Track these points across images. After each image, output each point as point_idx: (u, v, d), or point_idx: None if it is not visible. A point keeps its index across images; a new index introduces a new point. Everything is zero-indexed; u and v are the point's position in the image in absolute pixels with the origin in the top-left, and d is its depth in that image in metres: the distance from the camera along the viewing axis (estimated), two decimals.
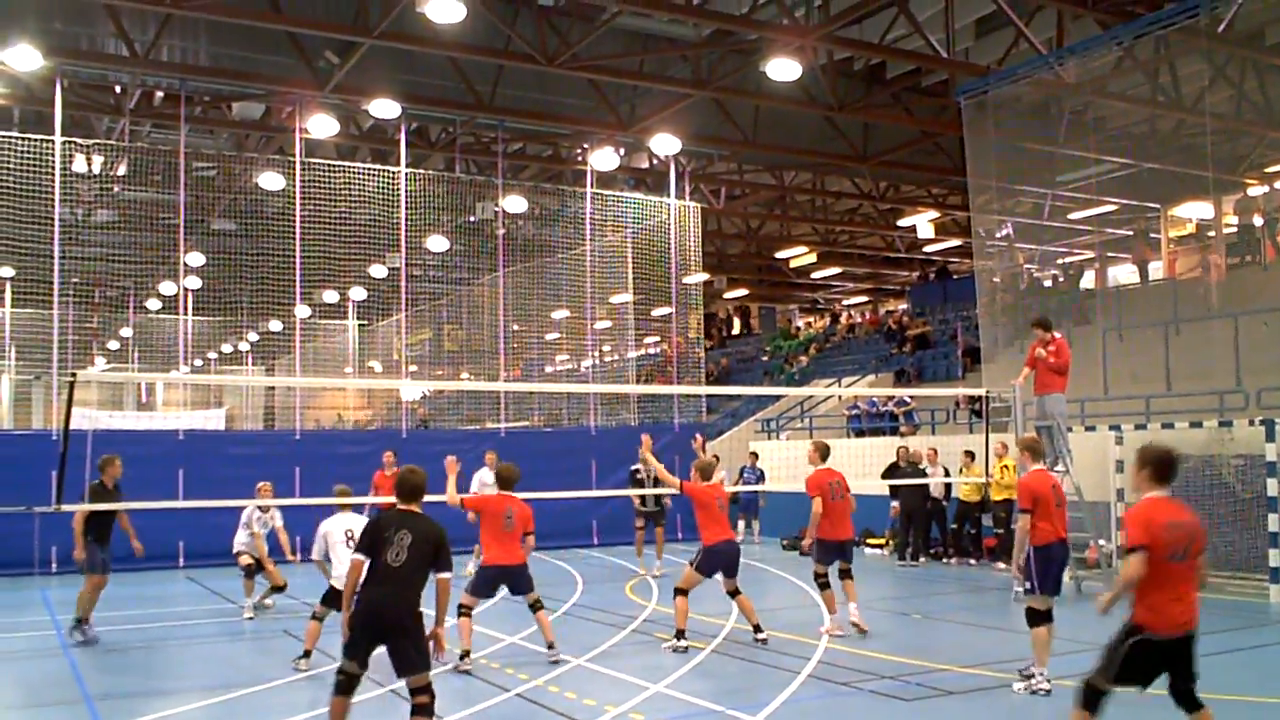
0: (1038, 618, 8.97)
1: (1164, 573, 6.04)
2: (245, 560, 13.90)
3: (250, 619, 13.43)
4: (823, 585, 11.69)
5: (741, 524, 22.74)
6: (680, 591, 10.99)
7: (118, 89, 21.26)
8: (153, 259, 27.16)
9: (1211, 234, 25.47)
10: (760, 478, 21.68)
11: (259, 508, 14.07)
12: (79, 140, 20.29)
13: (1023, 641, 9.34)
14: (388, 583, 6.56)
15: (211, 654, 11.51)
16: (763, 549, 21.10)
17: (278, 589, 14.00)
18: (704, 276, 27.65)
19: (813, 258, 37.20)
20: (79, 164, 21.64)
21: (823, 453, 12.00)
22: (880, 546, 20.14)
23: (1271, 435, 13.34)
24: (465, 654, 9.84)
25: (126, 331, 33.32)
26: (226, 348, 38.84)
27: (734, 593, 11.18)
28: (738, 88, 20.79)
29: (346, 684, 6.72)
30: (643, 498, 17.16)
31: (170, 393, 39.03)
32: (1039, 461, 9.56)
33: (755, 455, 22.69)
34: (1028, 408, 14.36)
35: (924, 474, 18.30)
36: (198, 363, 34.19)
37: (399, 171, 22.22)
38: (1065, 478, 14.21)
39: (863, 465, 19.90)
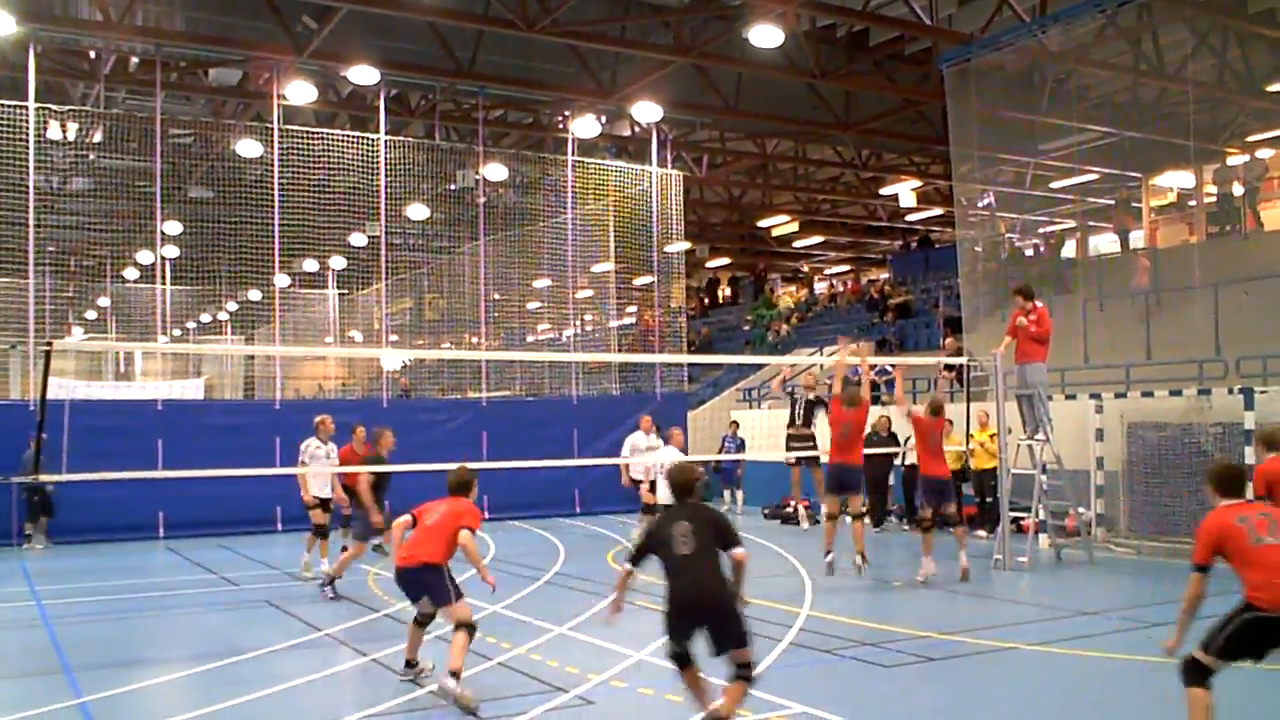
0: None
1: (1254, 557, 6.00)
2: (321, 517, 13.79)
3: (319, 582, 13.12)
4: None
5: (727, 494, 22.82)
6: (828, 516, 13.45)
7: (92, 55, 20.97)
8: (130, 227, 26.91)
9: (1192, 203, 25.54)
10: (741, 447, 21.71)
11: (320, 442, 13.89)
12: (53, 107, 19.98)
13: (1001, 608, 9.40)
14: (686, 574, 6.63)
15: (193, 624, 11.49)
16: (745, 519, 21.13)
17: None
18: (686, 245, 27.57)
19: (795, 226, 37.16)
20: (54, 131, 21.33)
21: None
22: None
23: (1250, 404, 13.43)
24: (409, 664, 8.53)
25: (104, 301, 33.06)
26: (205, 317, 38.59)
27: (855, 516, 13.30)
28: (720, 54, 20.66)
29: (684, 658, 6.76)
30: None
31: (149, 362, 38.75)
32: (1271, 451, 9.02)
33: (736, 424, 22.72)
34: (1008, 376, 14.39)
35: (896, 442, 18.41)
36: (176, 332, 33.90)
37: (378, 138, 22.01)
38: (1046, 446, 14.29)
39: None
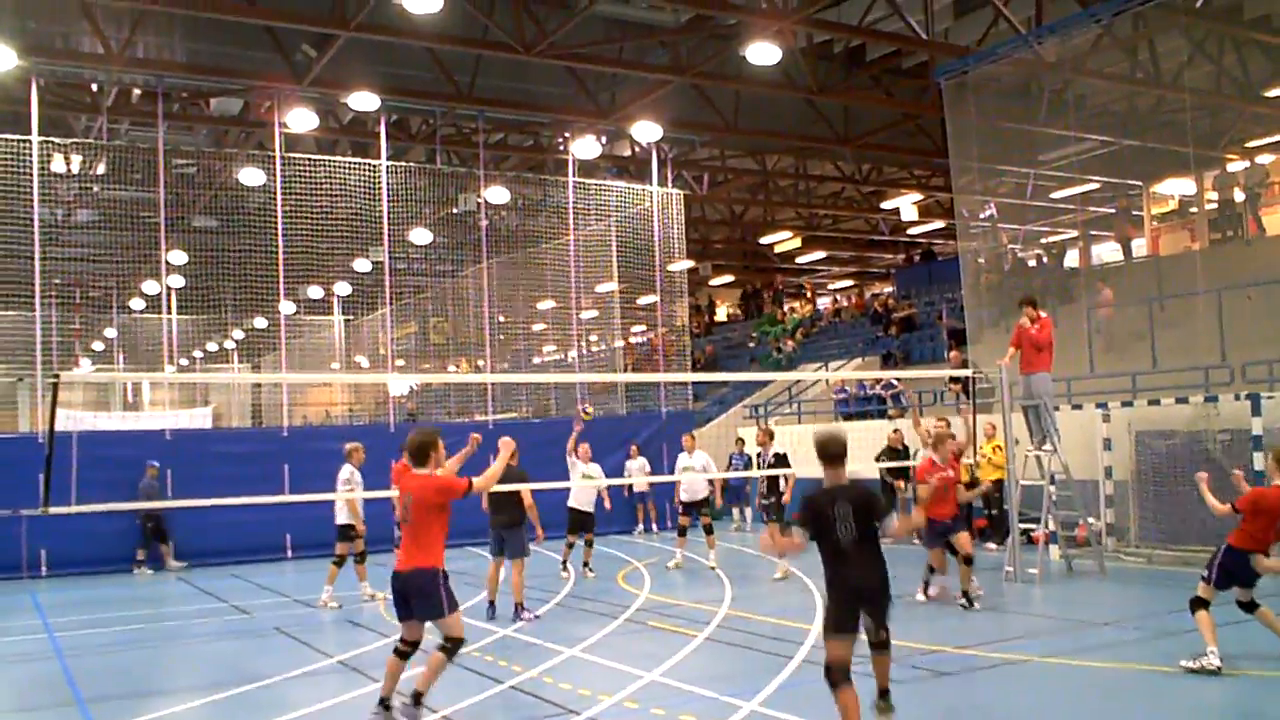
0: (1199, 604, 8.87)
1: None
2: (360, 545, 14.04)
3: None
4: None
5: (736, 511, 22.80)
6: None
7: (94, 87, 21.10)
8: (135, 258, 26.96)
9: (1194, 210, 25.55)
10: (749, 464, 21.67)
11: (354, 468, 14.02)
12: (56, 140, 20.11)
13: (1013, 620, 9.38)
14: (853, 561, 6.69)
15: (205, 653, 11.47)
16: (755, 535, 21.11)
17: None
18: (689, 263, 27.62)
19: (797, 242, 37.22)
20: (57, 164, 21.45)
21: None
22: None
23: (1257, 409, 13.39)
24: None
25: (110, 332, 33.12)
26: (212, 346, 38.61)
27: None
28: (717, 73, 20.74)
29: (846, 676, 6.71)
30: (766, 487, 16.22)
31: (156, 392, 38.80)
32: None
33: (742, 441, 22.67)
34: (1014, 387, 14.38)
35: (908, 455, 18.36)
36: (183, 361, 33.98)
37: (380, 164, 22.11)
38: (1053, 456, 14.26)
39: (854, 449, 19.87)
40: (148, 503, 17.47)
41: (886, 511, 6.88)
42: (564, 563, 16.11)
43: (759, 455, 16.12)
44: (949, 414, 19.07)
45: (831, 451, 6.88)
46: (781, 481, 15.71)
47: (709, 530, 16.32)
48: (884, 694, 7.30)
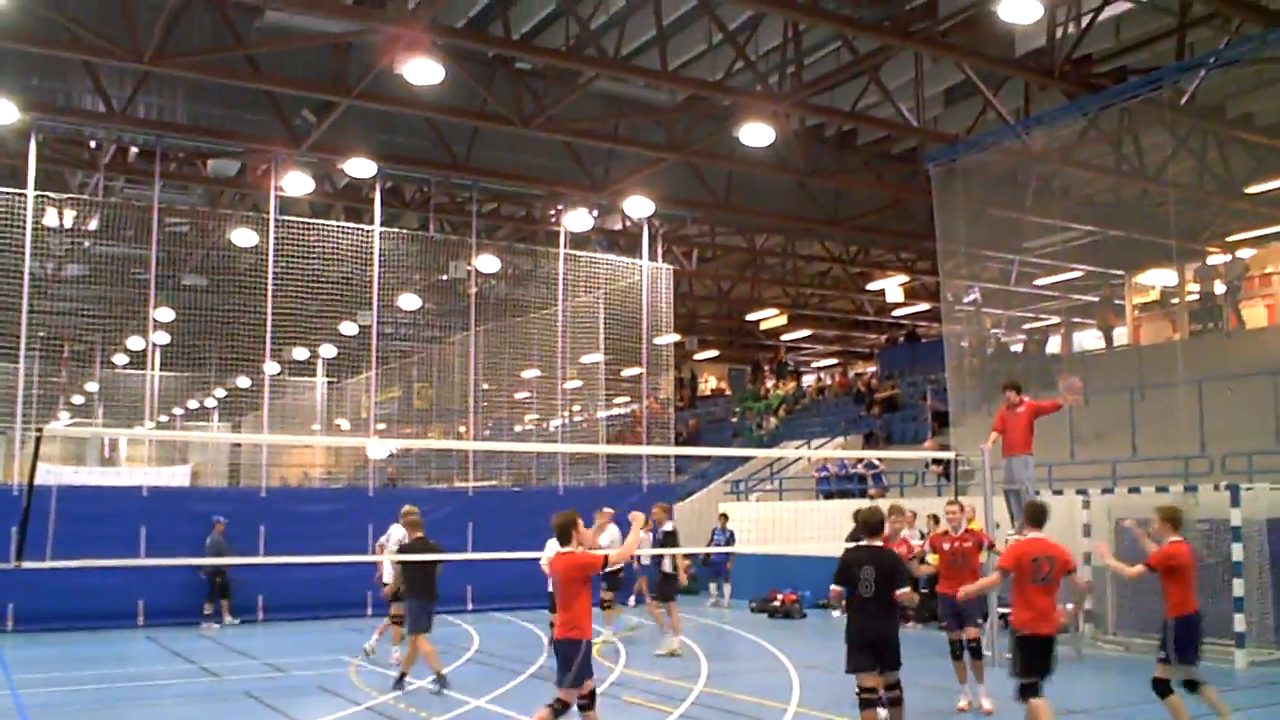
0: (1167, 687, 8.89)
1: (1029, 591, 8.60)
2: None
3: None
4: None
5: (712, 586, 22.70)
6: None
7: (93, 144, 21.27)
8: (122, 314, 26.98)
9: (1175, 301, 25.88)
10: (730, 540, 21.63)
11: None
12: (51, 195, 20.21)
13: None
14: (869, 614, 8.47)
15: (171, 715, 11.29)
16: (732, 612, 20.99)
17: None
18: (675, 338, 27.77)
19: (783, 320, 37.48)
20: (50, 218, 21.54)
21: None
22: None
23: (1236, 500, 13.48)
24: None
25: (92, 386, 32.98)
26: (193, 403, 38.43)
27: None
28: (711, 151, 21.06)
29: (875, 699, 8.50)
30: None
31: (134, 448, 38.57)
32: (1178, 532, 9.15)
33: (725, 517, 22.67)
34: (995, 471, 14.43)
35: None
36: (163, 418, 33.81)
37: (373, 229, 22.26)
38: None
39: (833, 527, 19.84)
40: (126, 560, 17.14)
41: (903, 583, 8.71)
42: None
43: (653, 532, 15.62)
44: (929, 495, 19.11)
45: (870, 522, 8.75)
46: (667, 561, 15.68)
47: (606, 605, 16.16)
48: None
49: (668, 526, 15.76)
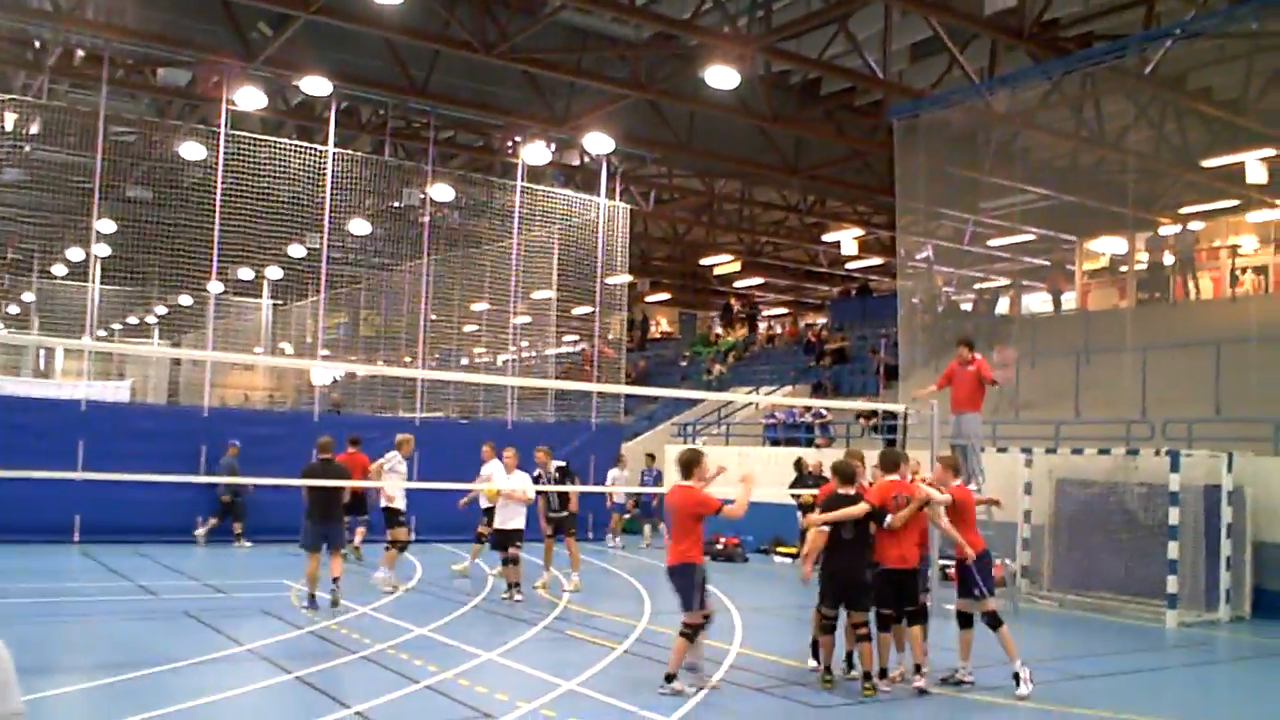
0: (999, 618, 9.46)
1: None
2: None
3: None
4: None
5: (647, 529, 22.74)
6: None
7: (37, 44, 20.52)
8: (62, 223, 26.26)
9: (1124, 269, 26.21)
10: (658, 479, 21.71)
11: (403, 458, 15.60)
12: None
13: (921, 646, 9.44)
14: (844, 555, 9.10)
15: (107, 632, 11.12)
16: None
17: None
18: (628, 278, 27.62)
19: (736, 266, 37.45)
20: None
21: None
22: (791, 555, 20.27)
23: (1175, 466, 13.73)
24: None
25: (29, 296, 32.19)
26: (133, 319, 37.70)
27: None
28: (674, 91, 20.80)
29: (831, 625, 9.28)
30: (548, 502, 15.24)
31: (71, 362, 37.78)
32: (958, 478, 9.85)
33: (651, 457, 22.77)
34: (943, 425, 14.55)
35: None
36: (102, 333, 33.11)
37: (326, 150, 21.79)
38: (976, 497, 14.46)
39: (779, 475, 19.99)
40: (41, 472, 16.67)
41: (881, 523, 9.20)
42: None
43: (539, 473, 15.00)
44: (874, 448, 19.24)
45: (844, 471, 9.31)
46: (570, 496, 15.29)
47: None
48: (867, 676, 8.99)
49: (556, 463, 15.33)
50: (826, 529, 9.14)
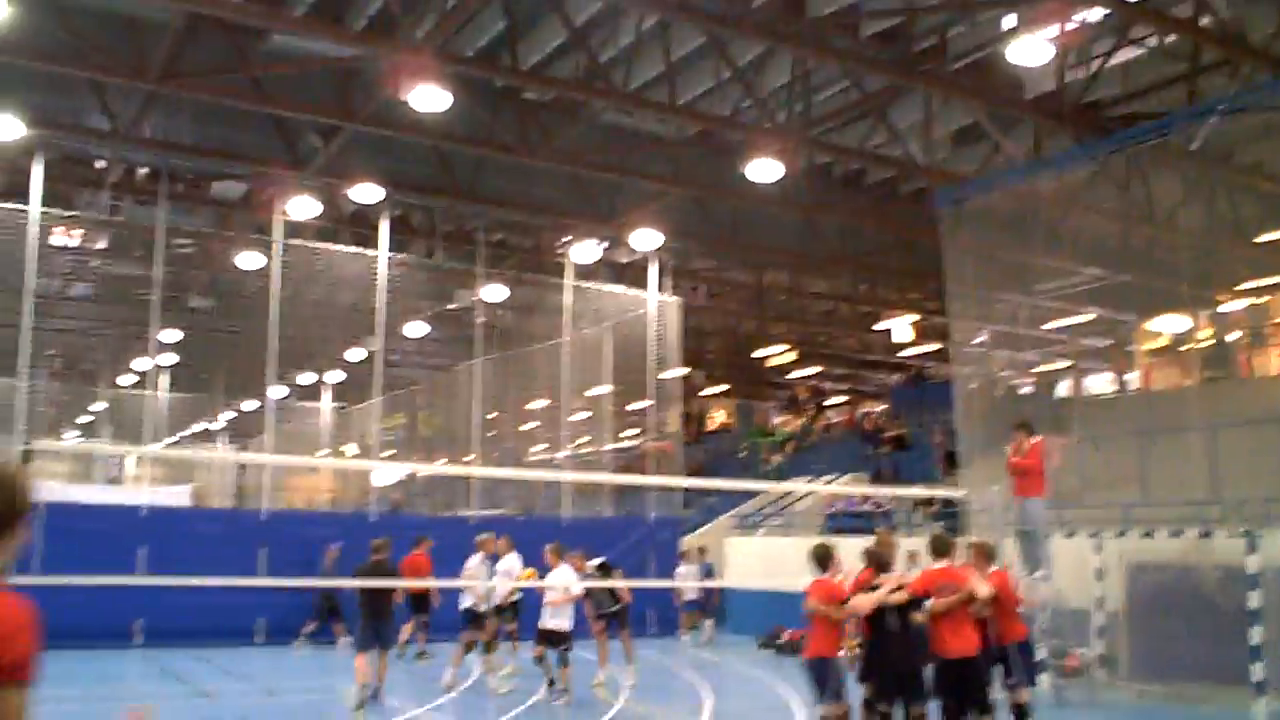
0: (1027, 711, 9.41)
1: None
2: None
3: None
4: None
5: (708, 625, 22.25)
6: None
7: (99, 164, 21.31)
8: (128, 334, 27.01)
9: (1186, 347, 25.68)
10: (709, 573, 21.39)
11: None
12: (56, 212, 20.20)
13: None
14: (894, 647, 8.91)
15: None
16: (735, 648, 20.59)
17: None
18: (683, 371, 27.62)
19: (792, 356, 37.30)
20: (57, 238, 21.56)
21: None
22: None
23: (1253, 547, 13.23)
24: None
25: (99, 405, 33.00)
26: (199, 426, 38.48)
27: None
28: (719, 186, 20.96)
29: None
30: (596, 602, 14.91)
31: (142, 468, 38.52)
32: (993, 564, 9.73)
33: (703, 550, 22.52)
34: (1006, 513, 14.21)
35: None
36: (170, 440, 33.76)
37: (379, 255, 22.21)
38: (1047, 584, 14.05)
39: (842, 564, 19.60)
40: (112, 577, 16.87)
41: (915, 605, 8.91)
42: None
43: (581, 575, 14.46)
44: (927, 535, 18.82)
45: (883, 560, 9.26)
46: (617, 590, 14.96)
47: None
48: None
49: (595, 561, 15.08)
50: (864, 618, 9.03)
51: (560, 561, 13.69)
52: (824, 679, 8.88)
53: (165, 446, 29.84)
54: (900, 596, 8.81)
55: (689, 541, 24.64)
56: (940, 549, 9.37)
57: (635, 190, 21.84)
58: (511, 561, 14.93)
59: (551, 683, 13.40)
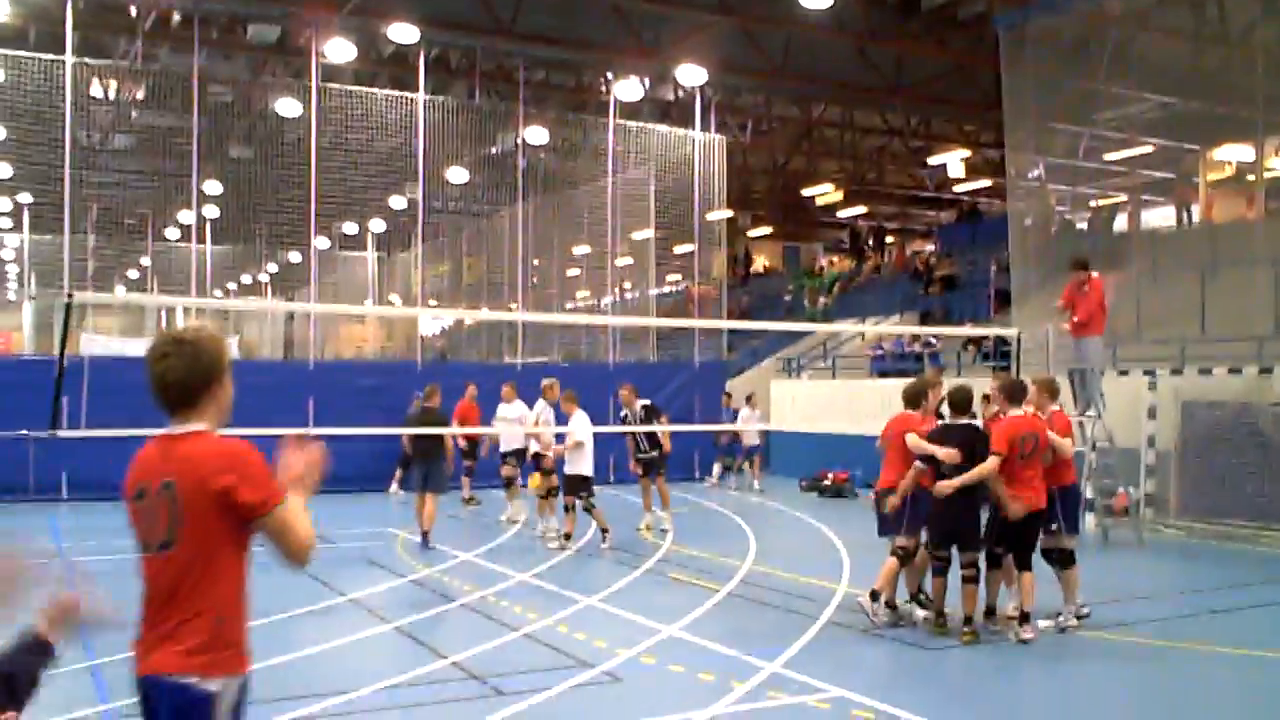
0: (1073, 557, 8.99)
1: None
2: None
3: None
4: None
5: (716, 467, 22.26)
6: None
7: (132, 11, 20.77)
8: (171, 186, 26.82)
9: (1250, 177, 24.69)
10: (734, 417, 21.37)
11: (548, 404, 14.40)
12: (91, 61, 19.79)
13: (1044, 590, 8.98)
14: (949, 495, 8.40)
15: None
16: (780, 490, 20.68)
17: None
18: (728, 213, 27.05)
19: (839, 195, 36.49)
20: (95, 88, 21.19)
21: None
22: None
23: None
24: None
25: (146, 260, 33.12)
26: (245, 278, 38.63)
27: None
28: (767, 14, 20.09)
29: (944, 567, 8.67)
30: (637, 444, 14.84)
31: (189, 320, 38.94)
32: (1056, 403, 9.23)
33: (729, 395, 22.48)
34: (1059, 351, 13.90)
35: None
36: (217, 293, 33.95)
37: (418, 98, 21.69)
38: (1098, 423, 13.82)
39: (888, 407, 19.47)
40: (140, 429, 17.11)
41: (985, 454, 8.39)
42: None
43: (625, 414, 14.81)
44: (986, 374, 18.58)
45: (956, 400, 8.78)
46: (659, 435, 14.69)
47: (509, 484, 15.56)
48: (968, 619, 8.43)
49: (642, 402, 14.78)
50: (924, 466, 8.64)
51: (575, 408, 13.39)
52: (899, 511, 8.79)
53: (215, 298, 30.02)
54: (951, 454, 8.42)
55: (735, 385, 24.56)
56: (1015, 394, 8.90)
57: (680, 22, 21.01)
58: (520, 409, 14.88)
59: (568, 536, 13.20)
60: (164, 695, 3.09)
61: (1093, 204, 26.02)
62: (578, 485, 13.08)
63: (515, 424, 14.92)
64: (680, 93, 25.48)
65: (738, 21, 20.19)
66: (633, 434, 14.69)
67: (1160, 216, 26.21)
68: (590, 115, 25.69)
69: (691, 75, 22.28)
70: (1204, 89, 22.14)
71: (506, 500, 15.73)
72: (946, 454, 8.45)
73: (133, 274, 35.28)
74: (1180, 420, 15.12)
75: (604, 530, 13.15)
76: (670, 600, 10.03)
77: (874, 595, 8.82)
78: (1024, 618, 8.48)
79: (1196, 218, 24.74)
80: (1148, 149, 24.23)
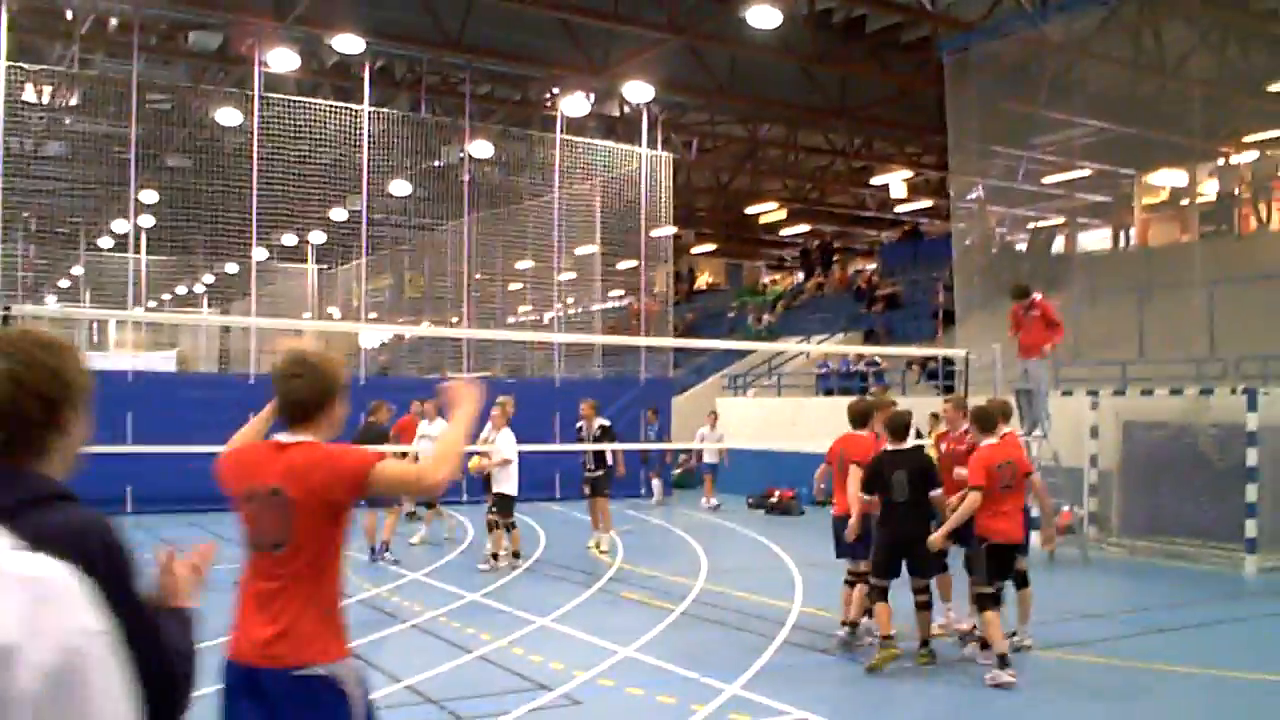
0: (1026, 578, 9.00)
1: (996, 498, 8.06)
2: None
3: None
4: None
5: (656, 483, 22.26)
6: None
7: (69, 14, 20.30)
8: (105, 195, 26.24)
9: (1185, 202, 25.28)
10: (659, 435, 21.41)
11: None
12: (26, 66, 19.29)
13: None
14: (900, 520, 8.21)
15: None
16: (727, 508, 20.71)
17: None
18: (673, 230, 27.09)
19: (782, 214, 36.76)
20: (28, 93, 20.65)
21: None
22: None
23: (1253, 405, 13.13)
24: None
25: (78, 269, 32.35)
26: (181, 289, 37.85)
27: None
28: (715, 34, 20.18)
29: (884, 593, 8.27)
30: (584, 462, 14.66)
31: (122, 333, 38.06)
32: (1008, 423, 8.90)
33: (656, 411, 22.46)
34: (1006, 370, 14.04)
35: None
36: (151, 304, 33.24)
37: (362, 110, 21.43)
38: (1043, 443, 13.98)
39: (832, 425, 19.56)
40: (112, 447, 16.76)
41: (936, 485, 8.25)
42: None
43: (581, 428, 14.63)
44: (930, 394, 18.75)
45: (893, 427, 8.41)
46: (609, 455, 14.46)
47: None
48: (924, 643, 8.32)
49: (600, 422, 14.58)
50: (869, 498, 8.34)
51: (504, 425, 13.00)
52: (860, 538, 8.58)
53: (148, 311, 29.36)
54: (970, 503, 8.01)
55: (679, 403, 24.56)
56: (987, 423, 8.41)
57: (627, 38, 21.00)
58: (442, 426, 14.58)
59: (516, 554, 13.01)
60: (292, 685, 3.31)
61: (1031, 226, 26.45)
62: (501, 504, 12.87)
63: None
64: (626, 109, 25.49)
65: (685, 40, 20.23)
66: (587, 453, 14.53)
67: (1097, 239, 26.71)
68: (536, 130, 25.58)
69: (638, 92, 22.31)
70: (1140, 115, 22.63)
71: (425, 521, 15.44)
72: (869, 502, 8.38)
73: (64, 283, 34.47)
74: (1121, 440, 15.36)
75: (515, 554, 12.98)
76: (624, 620, 9.93)
77: (852, 628, 8.78)
78: (984, 644, 8.32)
79: (1133, 241, 25.26)
80: (1085, 173, 24.71)
